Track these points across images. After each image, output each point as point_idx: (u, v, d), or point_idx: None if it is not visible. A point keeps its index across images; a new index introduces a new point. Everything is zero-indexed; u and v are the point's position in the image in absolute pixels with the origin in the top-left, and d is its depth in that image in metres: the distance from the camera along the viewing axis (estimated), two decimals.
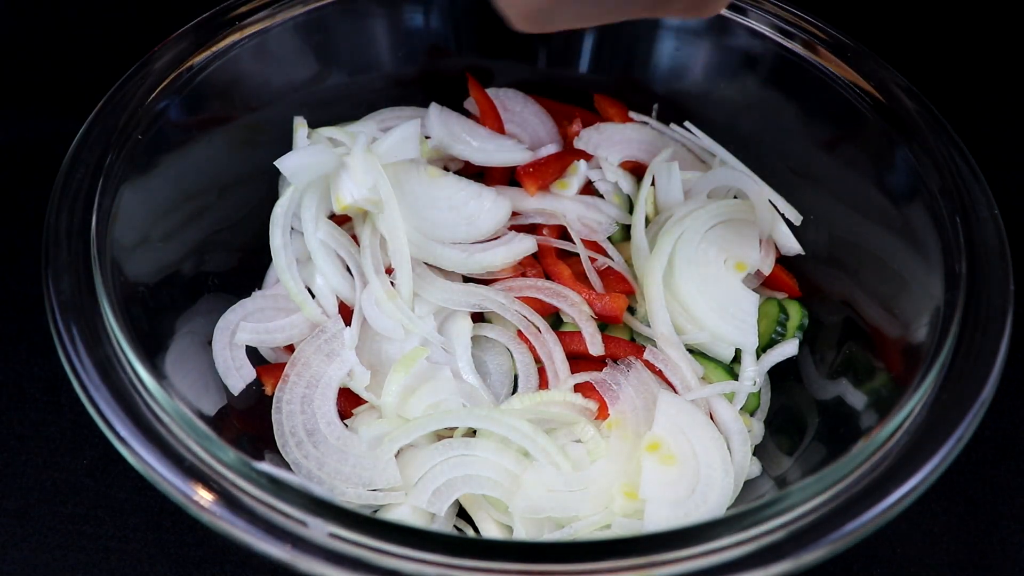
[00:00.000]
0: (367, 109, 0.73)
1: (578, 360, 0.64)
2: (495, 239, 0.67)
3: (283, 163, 0.63)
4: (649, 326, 0.65)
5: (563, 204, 0.70)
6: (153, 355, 0.54)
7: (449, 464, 0.57)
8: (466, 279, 0.67)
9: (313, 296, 0.65)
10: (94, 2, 0.88)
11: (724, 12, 0.68)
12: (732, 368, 0.65)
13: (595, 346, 0.63)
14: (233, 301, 0.64)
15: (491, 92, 0.74)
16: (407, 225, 0.64)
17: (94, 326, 0.51)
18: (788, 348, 0.64)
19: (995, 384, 0.51)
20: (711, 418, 0.61)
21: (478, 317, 0.66)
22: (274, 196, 0.66)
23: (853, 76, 0.65)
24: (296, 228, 0.65)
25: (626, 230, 0.71)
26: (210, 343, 0.62)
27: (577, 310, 0.64)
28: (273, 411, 0.59)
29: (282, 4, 0.67)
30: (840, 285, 0.65)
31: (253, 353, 0.63)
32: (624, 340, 0.64)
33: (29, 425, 0.64)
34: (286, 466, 0.57)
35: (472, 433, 0.60)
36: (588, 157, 0.72)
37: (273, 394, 0.60)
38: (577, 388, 0.62)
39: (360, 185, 0.64)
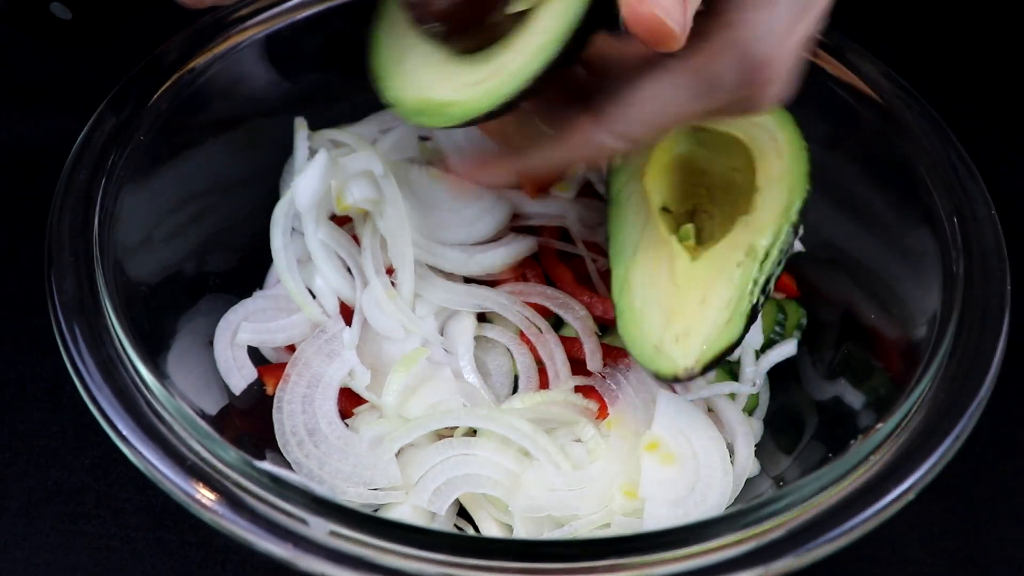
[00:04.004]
0: (368, 109, 0.73)
1: (578, 364, 0.64)
2: (496, 240, 0.67)
3: (299, 196, 0.63)
4: None
5: (563, 206, 0.70)
6: (155, 355, 0.54)
7: (449, 463, 0.58)
8: (467, 280, 0.67)
9: (314, 296, 0.65)
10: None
11: None
12: (732, 368, 0.65)
13: (594, 363, 0.63)
14: (234, 301, 0.64)
15: None
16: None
17: (96, 326, 0.51)
18: (787, 348, 0.65)
19: (992, 383, 0.52)
20: (712, 418, 0.61)
21: (479, 318, 0.66)
22: (275, 197, 0.67)
23: (851, 77, 0.65)
24: (297, 229, 0.66)
25: None
26: (211, 343, 0.62)
27: (582, 324, 0.64)
28: (274, 411, 0.59)
29: (284, 6, 0.67)
30: (838, 285, 0.65)
31: (254, 353, 0.63)
32: (624, 351, 0.64)
33: (31, 424, 0.64)
34: (287, 465, 0.57)
35: (472, 433, 0.60)
36: None
37: (274, 394, 0.60)
38: (577, 389, 0.62)
39: (363, 185, 0.64)
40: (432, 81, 0.54)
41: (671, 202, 0.62)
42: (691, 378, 0.55)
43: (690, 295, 0.57)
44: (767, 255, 0.56)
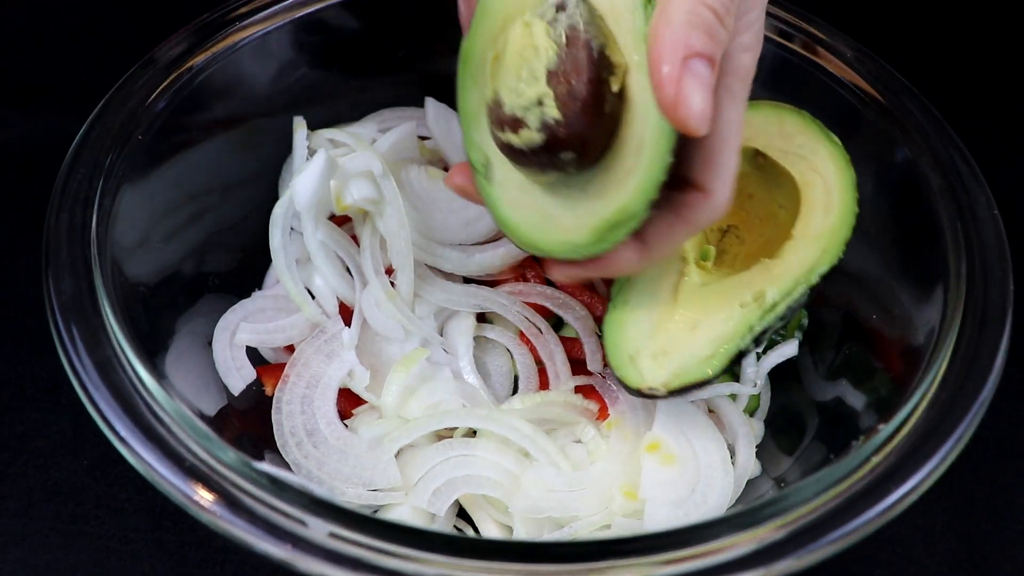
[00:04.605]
0: (367, 109, 0.73)
1: (578, 364, 0.64)
2: (495, 240, 0.67)
3: (298, 196, 0.63)
4: None
5: None
6: (153, 355, 0.54)
7: (449, 464, 0.57)
8: (467, 280, 0.67)
9: (313, 296, 0.65)
10: (95, 2, 0.88)
11: None
12: (733, 369, 0.65)
13: (594, 363, 0.63)
14: (233, 301, 0.64)
15: None
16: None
17: (94, 326, 0.51)
18: (788, 349, 0.64)
19: (995, 384, 0.51)
20: (713, 419, 0.61)
21: (479, 318, 0.66)
22: (274, 197, 0.67)
23: (853, 76, 0.65)
24: (296, 228, 0.65)
25: None
26: (210, 343, 0.62)
27: (582, 324, 0.64)
28: (273, 411, 0.59)
29: (283, 5, 0.67)
30: (840, 285, 0.65)
31: (253, 353, 0.63)
32: None
33: (30, 425, 0.64)
34: (286, 466, 0.57)
35: (472, 433, 0.60)
36: None
37: (273, 394, 0.60)
38: (577, 389, 0.62)
39: (362, 185, 0.64)
40: (587, 211, 0.50)
41: None
42: (653, 398, 0.54)
43: (684, 317, 0.56)
44: (773, 307, 0.55)
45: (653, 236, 0.50)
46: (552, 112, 0.47)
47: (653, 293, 0.57)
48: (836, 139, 0.58)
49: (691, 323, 0.55)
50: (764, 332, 0.55)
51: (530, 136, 0.47)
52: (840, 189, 0.57)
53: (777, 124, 0.59)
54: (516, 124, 0.48)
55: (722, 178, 0.49)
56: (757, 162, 0.60)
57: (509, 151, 0.49)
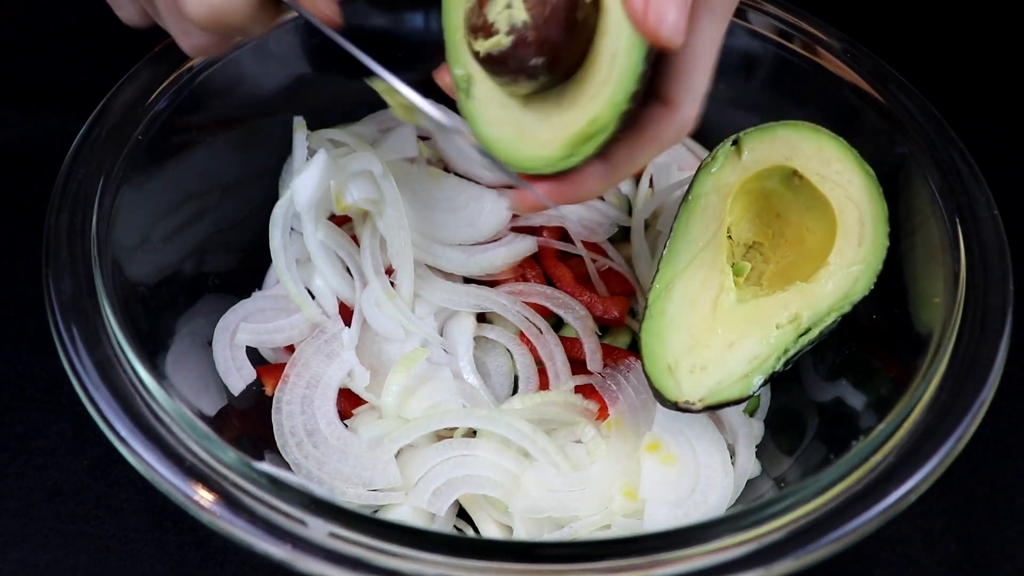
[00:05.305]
0: (367, 110, 0.73)
1: (578, 364, 0.64)
2: (495, 240, 0.67)
3: (298, 196, 0.63)
4: None
5: (563, 206, 0.70)
6: (153, 355, 0.54)
7: (449, 464, 0.57)
8: (467, 280, 0.67)
9: (313, 297, 0.65)
10: (95, 2, 0.88)
11: None
12: None
13: (594, 363, 0.63)
14: (233, 301, 0.64)
15: None
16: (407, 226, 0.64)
17: (94, 326, 0.51)
18: None
19: (995, 384, 0.52)
20: (713, 419, 0.61)
21: (479, 318, 0.66)
22: (274, 197, 0.67)
23: (853, 76, 0.65)
24: (296, 229, 0.65)
25: (625, 231, 0.71)
26: (210, 343, 0.62)
27: (582, 324, 0.64)
28: (273, 411, 0.59)
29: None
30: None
31: (253, 353, 0.63)
32: (624, 351, 0.64)
33: (30, 425, 0.64)
34: (286, 466, 0.57)
35: (472, 433, 0.60)
36: None
37: (273, 394, 0.60)
38: (577, 389, 0.62)
39: (362, 185, 0.64)
40: (560, 124, 0.50)
41: (734, 228, 0.61)
42: (687, 411, 0.54)
43: (722, 334, 0.56)
44: (807, 331, 0.55)
45: (617, 155, 0.50)
46: (521, 15, 0.46)
47: (692, 306, 0.57)
48: (871, 170, 0.58)
49: (729, 341, 0.56)
50: (796, 355, 0.56)
51: (498, 40, 0.47)
52: (873, 220, 0.57)
53: (816, 148, 0.59)
54: (487, 28, 0.47)
55: (691, 93, 0.48)
56: (792, 183, 0.60)
57: (481, 59, 0.49)
